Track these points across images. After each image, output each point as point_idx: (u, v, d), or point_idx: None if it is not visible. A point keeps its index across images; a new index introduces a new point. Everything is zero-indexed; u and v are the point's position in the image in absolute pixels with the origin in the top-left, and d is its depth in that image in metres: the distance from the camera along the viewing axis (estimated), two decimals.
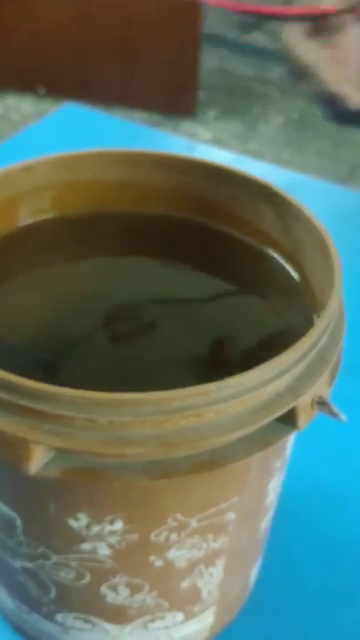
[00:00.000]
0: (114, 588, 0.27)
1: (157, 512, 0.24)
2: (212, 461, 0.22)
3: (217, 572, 0.28)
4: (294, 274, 0.30)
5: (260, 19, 1.82)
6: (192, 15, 1.56)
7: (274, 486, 0.28)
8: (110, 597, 0.27)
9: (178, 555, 0.26)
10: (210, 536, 0.26)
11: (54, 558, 0.26)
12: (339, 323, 0.25)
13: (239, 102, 1.77)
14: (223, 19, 1.90)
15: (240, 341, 0.28)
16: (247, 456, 0.22)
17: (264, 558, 0.34)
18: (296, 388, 0.23)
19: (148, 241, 0.32)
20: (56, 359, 0.26)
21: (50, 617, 0.29)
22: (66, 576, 0.26)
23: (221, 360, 0.27)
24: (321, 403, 0.23)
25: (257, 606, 0.34)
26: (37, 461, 0.21)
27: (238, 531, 0.27)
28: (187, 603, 0.29)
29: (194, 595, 0.28)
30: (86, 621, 0.29)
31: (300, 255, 0.29)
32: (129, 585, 0.27)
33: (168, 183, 0.32)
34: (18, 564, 0.27)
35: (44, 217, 0.32)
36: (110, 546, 0.25)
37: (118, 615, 0.28)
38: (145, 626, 0.29)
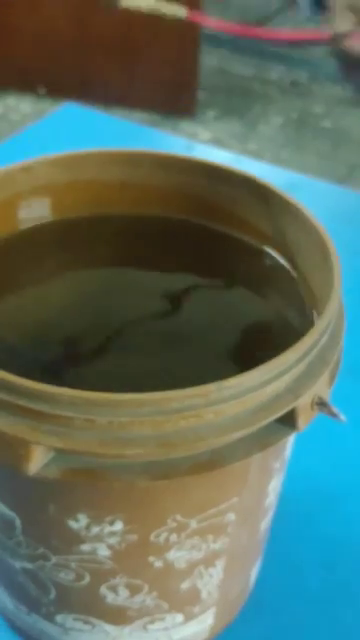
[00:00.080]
0: (114, 589, 0.27)
1: (157, 513, 0.24)
2: (211, 462, 0.22)
3: (217, 573, 0.28)
4: (294, 274, 0.30)
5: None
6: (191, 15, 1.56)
7: (274, 487, 0.28)
8: (110, 598, 0.27)
9: (178, 556, 0.26)
10: (210, 537, 0.26)
11: (54, 559, 0.26)
12: (339, 323, 0.25)
13: (238, 102, 1.77)
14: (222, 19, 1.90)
15: (240, 341, 0.28)
16: (247, 457, 0.22)
17: (264, 559, 0.34)
18: (296, 389, 0.22)
19: (148, 242, 0.32)
20: (56, 360, 0.26)
21: (50, 618, 0.29)
22: (66, 577, 0.26)
23: (220, 360, 0.27)
24: (321, 404, 0.23)
25: (257, 607, 0.34)
26: (37, 462, 0.21)
27: (238, 532, 0.27)
28: (187, 604, 0.29)
29: (194, 596, 0.28)
30: (86, 622, 0.29)
31: (299, 255, 0.29)
32: (129, 586, 0.26)
33: (167, 183, 0.32)
34: (18, 565, 0.27)
35: (44, 217, 0.32)
36: (110, 547, 0.25)
37: (118, 616, 0.28)
38: (145, 627, 0.29)
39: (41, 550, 0.26)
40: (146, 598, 0.27)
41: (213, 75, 1.83)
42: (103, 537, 0.24)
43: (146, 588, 0.27)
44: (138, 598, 0.27)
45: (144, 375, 0.26)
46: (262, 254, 0.31)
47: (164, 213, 0.32)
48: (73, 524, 0.24)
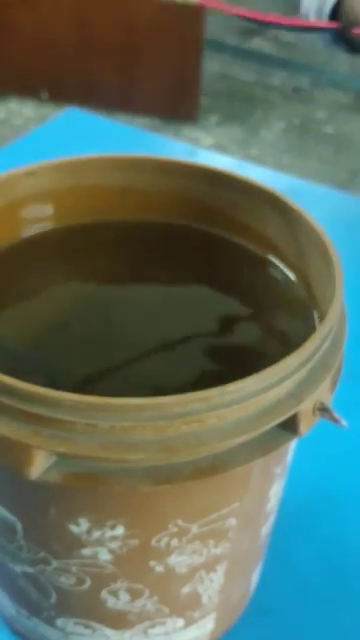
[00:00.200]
0: (114, 593, 0.27)
1: (158, 518, 0.24)
2: (213, 467, 0.22)
3: (218, 578, 0.28)
4: (295, 279, 0.30)
5: (261, 26, 1.82)
6: (194, 21, 1.56)
7: (275, 492, 0.28)
8: (110, 602, 0.27)
9: (179, 561, 0.26)
10: (211, 542, 0.26)
11: (55, 563, 0.26)
12: (341, 329, 0.25)
13: (240, 107, 1.77)
14: (224, 25, 1.90)
15: (242, 346, 0.28)
16: (248, 462, 0.22)
17: (265, 563, 0.34)
18: (298, 394, 0.22)
19: (149, 248, 0.32)
20: (58, 365, 0.26)
21: (50, 622, 0.29)
22: (66, 581, 0.26)
23: (223, 366, 0.27)
24: (323, 409, 0.23)
25: (257, 612, 0.34)
26: (38, 466, 0.21)
27: (239, 537, 0.27)
28: (187, 609, 0.29)
29: (194, 601, 0.28)
30: (86, 626, 0.29)
31: (301, 260, 0.29)
32: (129, 590, 0.26)
33: (169, 188, 0.32)
34: (19, 569, 0.27)
35: (46, 223, 0.32)
36: (111, 551, 0.25)
37: (118, 620, 0.28)
38: (145, 632, 0.29)
39: (42, 554, 0.26)
40: (147, 603, 0.27)
41: (215, 80, 1.84)
42: (104, 541, 0.24)
43: (147, 593, 0.27)
44: (139, 603, 0.27)
45: (147, 381, 0.26)
46: (264, 260, 0.31)
47: (165, 218, 0.32)
48: (74, 528, 0.24)
